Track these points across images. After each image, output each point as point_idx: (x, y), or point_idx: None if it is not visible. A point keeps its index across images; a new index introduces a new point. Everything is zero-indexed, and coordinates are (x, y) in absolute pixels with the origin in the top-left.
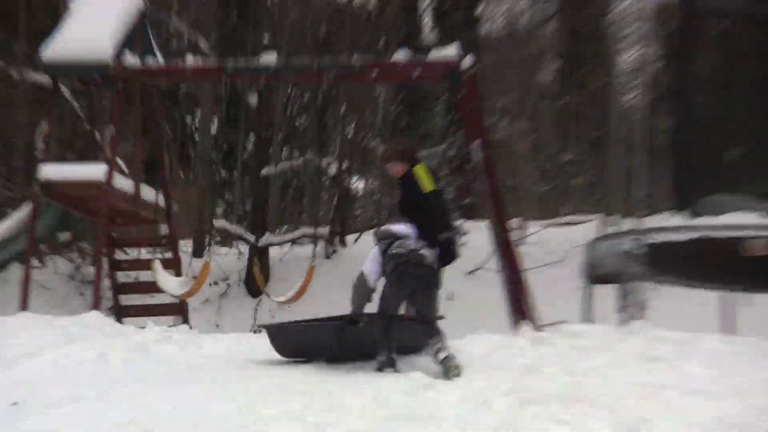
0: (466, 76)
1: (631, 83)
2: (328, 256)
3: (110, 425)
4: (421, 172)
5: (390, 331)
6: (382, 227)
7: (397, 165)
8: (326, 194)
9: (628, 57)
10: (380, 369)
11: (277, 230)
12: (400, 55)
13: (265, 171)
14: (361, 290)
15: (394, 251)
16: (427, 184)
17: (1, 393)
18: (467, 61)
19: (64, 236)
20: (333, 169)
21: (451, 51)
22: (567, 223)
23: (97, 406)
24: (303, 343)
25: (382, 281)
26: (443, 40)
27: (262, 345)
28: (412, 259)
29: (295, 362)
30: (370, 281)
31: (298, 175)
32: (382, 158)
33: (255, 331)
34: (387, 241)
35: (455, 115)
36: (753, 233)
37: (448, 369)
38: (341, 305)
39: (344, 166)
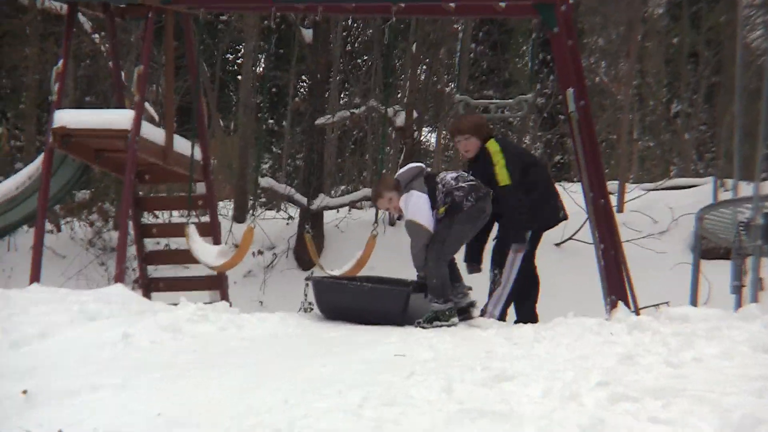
0: (561, 9)
1: (757, 20)
2: (392, 223)
3: (135, 418)
4: (495, 150)
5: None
6: (401, 172)
7: (470, 139)
8: (392, 148)
9: None
10: (444, 319)
11: (333, 191)
12: None
13: (320, 120)
14: (420, 242)
15: (462, 184)
16: (502, 173)
17: (9, 379)
18: None
19: (83, 196)
20: (400, 119)
21: None
22: (674, 187)
23: (119, 396)
24: (359, 306)
25: None
26: None
27: (314, 326)
28: (488, 194)
29: (353, 347)
30: (431, 230)
31: (359, 126)
32: (453, 130)
33: (305, 310)
34: (421, 179)
35: (546, 56)
36: None
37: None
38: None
39: (414, 115)
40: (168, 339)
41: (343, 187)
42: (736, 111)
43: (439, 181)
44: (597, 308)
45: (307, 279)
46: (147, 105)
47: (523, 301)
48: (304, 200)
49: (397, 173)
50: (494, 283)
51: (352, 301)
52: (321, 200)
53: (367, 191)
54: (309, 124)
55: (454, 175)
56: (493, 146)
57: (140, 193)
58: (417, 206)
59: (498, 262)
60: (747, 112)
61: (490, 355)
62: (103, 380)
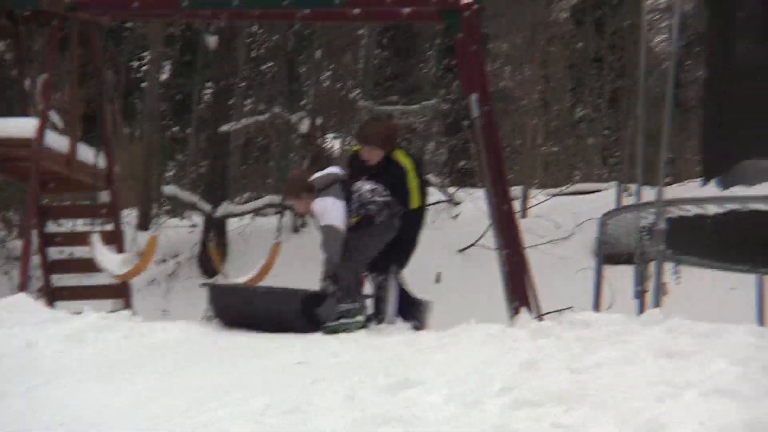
0: (464, 14)
1: (661, 24)
2: (296, 230)
3: (37, 427)
4: (410, 168)
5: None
6: (318, 176)
7: (375, 150)
8: (296, 155)
9: None
10: (350, 317)
11: (237, 198)
12: None
13: (224, 127)
14: (337, 246)
15: (377, 199)
16: (414, 195)
17: None
18: None
19: None
20: (305, 126)
21: None
22: (577, 192)
23: (22, 405)
24: (255, 311)
25: None
26: None
27: (218, 333)
28: (399, 212)
29: (256, 355)
30: (342, 233)
31: (263, 133)
32: (360, 137)
33: (209, 318)
34: (338, 185)
35: (450, 62)
36: None
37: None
38: (310, 286)
39: (318, 121)
40: (72, 348)
41: (246, 195)
42: (640, 116)
43: (355, 191)
44: (500, 314)
45: (204, 284)
46: (51, 113)
47: (411, 305)
48: (207, 208)
49: (314, 177)
50: (381, 288)
51: (246, 306)
52: (225, 208)
53: (271, 198)
54: (213, 131)
55: (371, 187)
56: (407, 162)
57: (44, 201)
58: (334, 213)
59: (383, 268)
60: (650, 116)
61: (393, 361)
62: (7, 388)
